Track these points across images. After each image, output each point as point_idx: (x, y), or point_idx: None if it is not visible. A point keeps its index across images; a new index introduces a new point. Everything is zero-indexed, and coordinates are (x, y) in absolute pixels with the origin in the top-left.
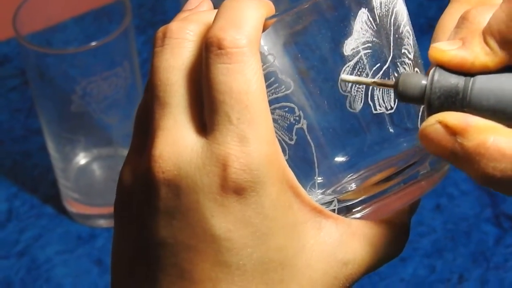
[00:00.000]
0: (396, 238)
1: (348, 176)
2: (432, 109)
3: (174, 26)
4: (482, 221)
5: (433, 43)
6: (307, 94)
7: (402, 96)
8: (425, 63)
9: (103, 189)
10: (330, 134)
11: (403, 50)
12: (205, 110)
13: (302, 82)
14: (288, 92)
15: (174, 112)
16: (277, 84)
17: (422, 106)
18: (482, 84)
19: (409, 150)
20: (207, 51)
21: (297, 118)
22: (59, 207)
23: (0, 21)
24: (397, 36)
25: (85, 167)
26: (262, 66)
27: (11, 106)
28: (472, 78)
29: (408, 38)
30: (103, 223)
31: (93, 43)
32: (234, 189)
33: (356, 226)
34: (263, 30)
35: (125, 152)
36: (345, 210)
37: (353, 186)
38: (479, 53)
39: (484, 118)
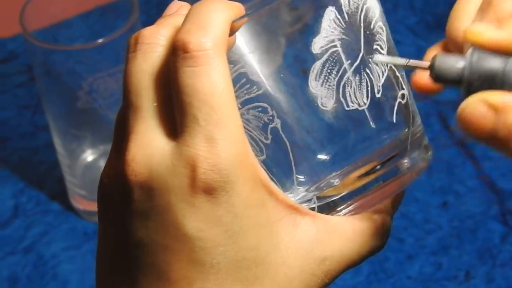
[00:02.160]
0: (377, 232)
1: (331, 173)
2: (471, 91)
3: (147, 31)
4: (489, 218)
5: (452, 27)
6: (278, 93)
7: (439, 77)
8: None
9: None
10: (305, 133)
11: (375, 46)
12: (175, 113)
13: (273, 81)
14: (259, 92)
15: (146, 116)
16: (248, 85)
17: (399, 101)
18: None
19: (390, 143)
20: (174, 55)
21: (271, 117)
22: (66, 203)
23: (7, 18)
24: (368, 32)
25: (91, 164)
26: (233, 67)
27: (18, 103)
28: (511, 59)
29: (380, 34)
30: None
31: (100, 40)
32: (203, 189)
33: (334, 222)
34: (233, 32)
35: None
36: (327, 208)
37: (337, 181)
38: None
39: None
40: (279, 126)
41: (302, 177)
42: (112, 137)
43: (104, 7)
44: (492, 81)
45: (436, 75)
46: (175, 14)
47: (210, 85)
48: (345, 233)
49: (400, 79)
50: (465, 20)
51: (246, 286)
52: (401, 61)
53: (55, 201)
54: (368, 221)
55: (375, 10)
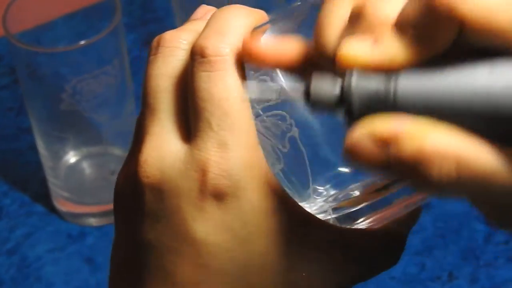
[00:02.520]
0: (390, 248)
1: (350, 185)
2: (352, 117)
3: (168, 35)
4: (472, 218)
5: (320, 45)
6: (297, 102)
7: (316, 104)
8: None
9: (93, 188)
10: (324, 143)
11: None
12: (190, 117)
13: (292, 90)
14: (278, 100)
15: (161, 118)
16: (268, 92)
17: None
18: (407, 84)
19: None
20: (192, 60)
21: (289, 126)
22: (49, 205)
23: None
24: None
25: (74, 166)
26: (253, 74)
27: (1, 105)
28: (393, 78)
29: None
30: (93, 221)
31: (83, 42)
32: (213, 194)
33: (348, 235)
34: (256, 38)
35: (115, 150)
36: (345, 220)
37: (356, 193)
38: (396, 51)
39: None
40: (296, 135)
41: (321, 188)
42: (95, 139)
43: (87, 9)
44: (374, 104)
45: (313, 102)
46: (201, 19)
47: (225, 90)
48: (357, 247)
49: None
50: (334, 31)
51: None
52: (272, 95)
53: (39, 203)
54: (382, 236)
55: None
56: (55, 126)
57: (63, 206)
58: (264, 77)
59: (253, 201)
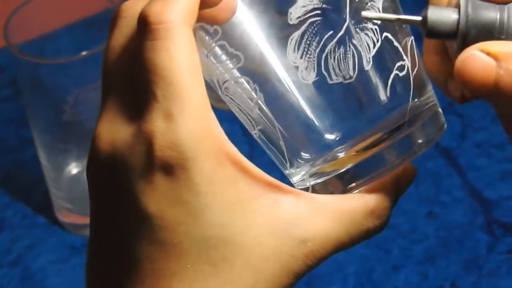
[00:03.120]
0: (371, 213)
1: (335, 149)
2: (467, 43)
3: (126, 5)
4: (475, 228)
5: None
6: (259, 66)
7: (432, 31)
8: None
9: None
10: (288, 106)
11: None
12: (137, 87)
13: (252, 54)
14: (239, 65)
15: (115, 93)
16: (228, 57)
17: (396, 73)
18: None
19: (389, 116)
20: (138, 29)
21: (254, 91)
22: (52, 217)
23: None
24: (356, 0)
25: (77, 177)
26: (211, 40)
27: (3, 116)
28: (506, 6)
29: (374, 1)
30: None
31: (85, 52)
32: (161, 166)
33: (321, 201)
34: (214, 4)
35: None
36: (335, 184)
37: (341, 155)
38: None
39: None
40: (262, 100)
41: (307, 155)
42: None
43: (89, 20)
44: (489, 32)
45: (429, 29)
46: None
47: (169, 59)
48: (331, 212)
49: (401, 49)
50: None
51: (213, 267)
52: (391, 17)
53: (42, 215)
54: (359, 200)
55: None
56: (57, 137)
57: (65, 217)
58: (221, 42)
59: (204, 171)
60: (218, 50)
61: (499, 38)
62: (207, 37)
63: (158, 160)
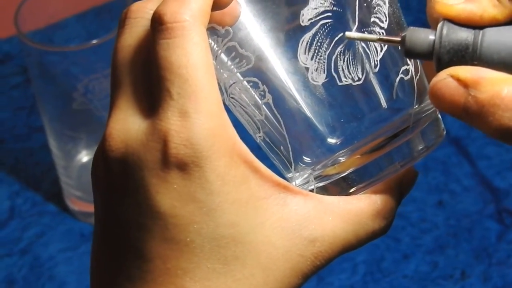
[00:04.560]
0: (377, 214)
1: (337, 153)
2: (442, 65)
3: (135, 6)
4: (485, 217)
5: (429, 3)
6: (269, 67)
7: (410, 52)
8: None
9: None
10: (297, 108)
11: (372, 19)
12: (152, 85)
13: (263, 55)
14: (249, 66)
15: (127, 91)
16: (238, 59)
17: (401, 77)
18: (492, 37)
19: (393, 120)
20: (152, 28)
21: (262, 92)
22: (62, 205)
23: (2, 19)
24: (365, 4)
25: (87, 165)
26: (222, 40)
27: (13, 104)
28: (481, 31)
29: (380, 6)
30: None
31: (95, 41)
32: (175, 164)
33: (328, 202)
34: (225, 5)
35: None
36: (337, 188)
37: (343, 158)
38: (487, 6)
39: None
40: (271, 101)
41: (308, 159)
42: None
43: (99, 8)
44: (462, 55)
45: (407, 49)
46: None
47: (184, 57)
48: (339, 212)
49: None
50: None
51: (225, 265)
52: (372, 37)
53: (51, 203)
54: (366, 201)
55: None
56: (67, 125)
57: (75, 205)
58: (231, 43)
59: (218, 170)
60: (229, 49)
61: (472, 62)
62: (216, 39)
63: (173, 157)
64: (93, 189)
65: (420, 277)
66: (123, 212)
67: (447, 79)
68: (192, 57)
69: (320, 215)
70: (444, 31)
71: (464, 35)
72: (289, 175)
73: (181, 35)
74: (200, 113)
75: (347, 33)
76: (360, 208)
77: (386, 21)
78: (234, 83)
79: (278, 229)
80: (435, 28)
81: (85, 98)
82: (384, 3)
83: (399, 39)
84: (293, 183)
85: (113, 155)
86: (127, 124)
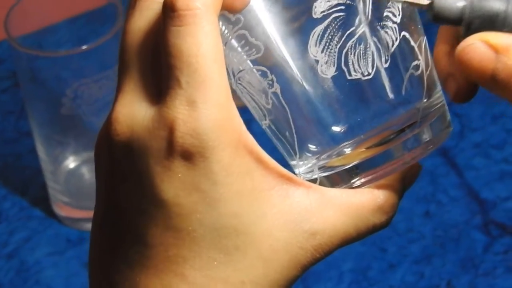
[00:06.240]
0: (378, 208)
1: (342, 143)
2: (471, 31)
3: None
4: (471, 228)
5: None
6: (278, 58)
7: (438, 16)
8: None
9: (92, 193)
10: (305, 100)
11: (385, 13)
12: (160, 72)
13: (273, 45)
14: (259, 55)
15: (134, 75)
16: (247, 47)
17: (411, 72)
18: None
19: (401, 114)
20: (163, 14)
21: (270, 82)
22: (49, 209)
23: None
24: None
25: (74, 170)
26: (232, 27)
27: (2, 108)
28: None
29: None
30: None
31: (85, 46)
32: (181, 153)
33: (330, 195)
34: None
35: None
36: (340, 179)
37: (348, 150)
38: None
39: None
40: (278, 91)
41: (313, 146)
42: (94, 143)
43: (89, 14)
44: (493, 22)
45: (436, 14)
46: None
47: (194, 46)
48: (340, 206)
49: (416, 48)
50: None
51: (226, 255)
52: None
53: (38, 208)
54: (368, 196)
55: None
56: (56, 130)
57: (62, 210)
58: (242, 31)
59: (223, 161)
60: (238, 37)
61: (502, 30)
62: (227, 26)
63: (178, 146)
64: (95, 171)
65: (406, 287)
66: (125, 196)
67: (477, 43)
68: (202, 47)
69: (322, 208)
70: None
71: (496, 2)
72: (293, 162)
73: (193, 23)
74: (208, 103)
75: None
76: (361, 202)
77: (399, 15)
78: (243, 70)
79: (279, 221)
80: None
81: (74, 104)
82: None
83: (427, 2)
84: (297, 170)
85: (118, 139)
86: (133, 109)
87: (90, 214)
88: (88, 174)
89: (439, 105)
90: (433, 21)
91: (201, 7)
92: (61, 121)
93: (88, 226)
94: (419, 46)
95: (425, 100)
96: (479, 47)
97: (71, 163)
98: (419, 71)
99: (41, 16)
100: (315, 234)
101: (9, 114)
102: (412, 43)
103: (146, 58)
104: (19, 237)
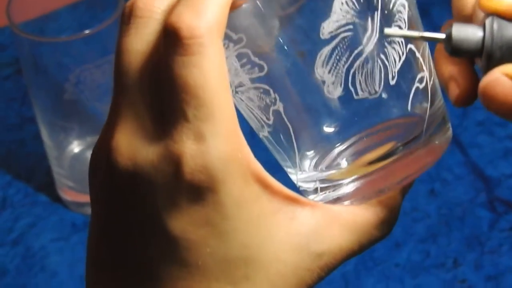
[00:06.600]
0: (382, 223)
1: (335, 145)
2: (492, 62)
3: (141, 2)
4: (476, 205)
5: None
6: (282, 78)
7: (457, 49)
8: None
9: None
10: (309, 118)
11: (392, 28)
12: (164, 103)
13: (277, 65)
14: (261, 74)
15: (134, 100)
16: (249, 66)
17: (417, 86)
18: None
19: (406, 127)
20: (165, 40)
21: (273, 100)
22: (54, 195)
23: None
24: (386, 12)
25: (79, 155)
26: (233, 46)
27: (5, 95)
28: None
29: (401, 12)
30: None
31: (87, 31)
32: (189, 189)
33: (335, 212)
34: (233, 9)
35: None
36: (333, 187)
37: (345, 163)
38: None
39: None
40: (281, 109)
41: (309, 152)
42: (99, 128)
43: None
44: None
45: (454, 47)
46: None
47: (201, 77)
48: (345, 224)
49: (421, 59)
50: None
51: (235, 285)
52: (414, 34)
53: (43, 193)
54: (371, 211)
55: None
56: (59, 115)
57: (67, 195)
58: (244, 50)
59: (233, 193)
60: (240, 55)
61: None
62: (227, 43)
63: (187, 183)
64: (90, 188)
65: (412, 265)
66: (127, 226)
67: (501, 78)
68: (209, 77)
69: (328, 227)
70: (495, 27)
71: None
72: (291, 170)
73: (198, 53)
74: (217, 136)
75: (386, 30)
76: (366, 219)
77: (405, 28)
78: (242, 86)
79: (286, 244)
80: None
81: (76, 89)
82: (404, 8)
83: (443, 36)
84: (294, 178)
85: (119, 171)
86: (136, 141)
87: None
88: None
89: (440, 110)
90: (451, 54)
91: (206, 34)
92: (65, 106)
93: None
94: (423, 55)
95: (429, 110)
96: (503, 82)
97: (75, 148)
98: (424, 83)
99: (43, 2)
100: (322, 255)
101: (12, 101)
102: (418, 54)
103: (146, 83)
104: (24, 223)
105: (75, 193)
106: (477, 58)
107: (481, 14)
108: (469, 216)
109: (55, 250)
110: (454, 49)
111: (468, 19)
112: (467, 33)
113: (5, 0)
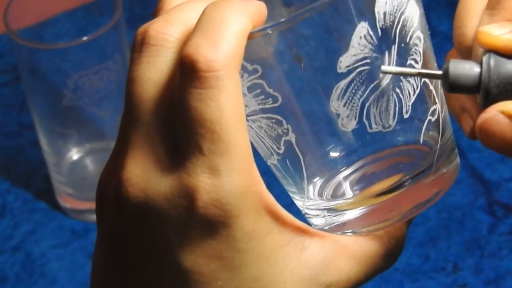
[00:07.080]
0: (390, 254)
1: (340, 170)
2: (489, 99)
3: (154, 30)
4: (476, 209)
5: (460, 27)
6: (296, 110)
7: (454, 86)
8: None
9: (96, 184)
10: (321, 149)
11: (409, 62)
12: (178, 135)
13: (291, 98)
14: (275, 105)
15: (146, 132)
16: (263, 96)
17: (429, 119)
18: None
19: (421, 159)
20: (181, 71)
21: (285, 130)
22: (52, 202)
23: None
24: (402, 45)
25: (78, 162)
26: (248, 77)
27: (3, 102)
28: None
29: (417, 45)
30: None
31: (85, 37)
32: (202, 223)
33: (344, 243)
34: (250, 39)
35: None
36: (339, 218)
37: (350, 193)
38: None
39: None
40: (293, 140)
41: (315, 179)
42: (98, 135)
43: (88, 5)
44: (511, 88)
45: (451, 83)
46: (187, 4)
47: (218, 111)
48: (354, 255)
49: (434, 91)
50: (473, 21)
51: None
52: (411, 71)
53: (42, 200)
54: (379, 242)
55: (414, 18)
56: (58, 122)
57: (66, 202)
58: (258, 80)
59: (246, 227)
60: (254, 86)
61: None
62: (242, 74)
63: (200, 216)
64: (98, 216)
65: (412, 270)
66: (137, 257)
67: (498, 115)
68: (226, 112)
69: (337, 259)
70: (492, 63)
71: None
72: (297, 197)
73: (215, 86)
74: (232, 171)
75: (383, 68)
76: (374, 251)
77: (420, 61)
78: (254, 114)
79: (297, 276)
80: (469, 58)
81: (75, 95)
82: (420, 40)
83: (440, 72)
84: (300, 204)
85: (129, 202)
86: (147, 172)
87: (94, 205)
88: (91, 165)
89: (450, 140)
90: (449, 90)
91: (223, 68)
92: (63, 112)
93: (93, 217)
94: (436, 87)
95: (440, 141)
96: (499, 119)
97: (74, 154)
98: (436, 116)
99: (40, 9)
100: (330, 286)
101: (11, 108)
102: (431, 87)
103: (160, 114)
104: (23, 230)
105: (74, 200)
106: (476, 94)
107: (480, 47)
108: (469, 219)
109: (55, 256)
110: (452, 86)
111: (468, 49)
112: (464, 70)
113: (3, 7)
